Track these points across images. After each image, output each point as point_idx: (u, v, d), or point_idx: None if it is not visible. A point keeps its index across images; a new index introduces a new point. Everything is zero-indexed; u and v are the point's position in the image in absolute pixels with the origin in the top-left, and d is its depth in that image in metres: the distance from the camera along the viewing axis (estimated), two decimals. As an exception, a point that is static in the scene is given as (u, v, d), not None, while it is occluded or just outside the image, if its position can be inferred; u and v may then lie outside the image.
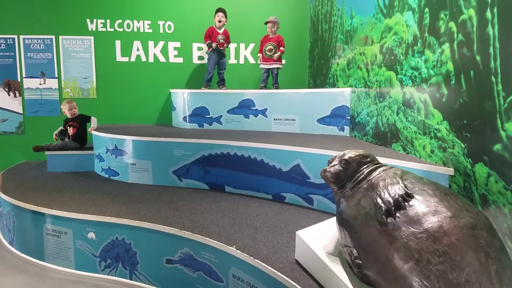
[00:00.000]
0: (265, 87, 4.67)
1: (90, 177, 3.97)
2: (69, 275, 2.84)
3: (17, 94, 5.02)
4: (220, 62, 4.80)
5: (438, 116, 2.25)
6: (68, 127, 4.39)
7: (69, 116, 4.42)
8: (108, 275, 2.80)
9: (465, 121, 2.00)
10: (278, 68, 4.66)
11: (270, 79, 4.73)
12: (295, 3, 5.34)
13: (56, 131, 4.51)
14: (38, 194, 3.25)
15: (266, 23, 4.62)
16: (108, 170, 3.92)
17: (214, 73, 4.82)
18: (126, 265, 2.72)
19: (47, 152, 4.22)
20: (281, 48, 4.59)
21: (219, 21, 4.69)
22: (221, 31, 4.75)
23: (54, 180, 3.81)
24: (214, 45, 4.64)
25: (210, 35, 4.72)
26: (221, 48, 4.73)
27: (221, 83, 4.84)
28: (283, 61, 5.20)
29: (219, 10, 4.71)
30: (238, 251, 2.10)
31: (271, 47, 4.56)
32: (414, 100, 2.52)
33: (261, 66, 4.68)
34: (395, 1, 2.79)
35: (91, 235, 2.78)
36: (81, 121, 4.40)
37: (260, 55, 4.66)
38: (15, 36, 4.92)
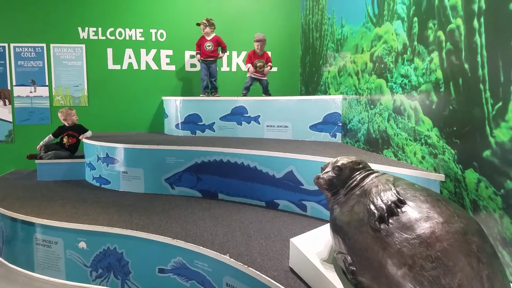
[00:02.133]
0: (246, 95, 4.67)
1: (81, 185, 3.93)
2: (60, 286, 2.79)
3: (7, 102, 4.97)
4: (209, 70, 4.84)
5: (428, 123, 2.28)
6: (66, 136, 4.33)
7: (68, 124, 4.37)
8: (99, 285, 2.76)
9: (454, 128, 2.03)
10: (266, 80, 4.74)
11: (258, 88, 4.75)
12: (287, 12, 5.40)
13: (42, 143, 4.30)
14: (27, 203, 3.20)
15: (256, 41, 4.63)
16: (99, 178, 3.88)
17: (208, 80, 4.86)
18: (118, 274, 2.70)
19: (37, 161, 4.17)
20: (270, 64, 4.70)
21: (204, 32, 4.79)
22: (209, 38, 4.79)
23: (44, 189, 3.77)
24: (197, 56, 4.79)
25: (199, 44, 4.80)
26: (208, 57, 4.77)
27: (213, 90, 4.86)
28: (275, 69, 5.29)
29: (197, 24, 4.78)
30: (232, 260, 2.10)
31: (261, 64, 4.62)
32: (405, 107, 2.56)
33: (250, 75, 4.68)
34: (385, 10, 2.84)
35: (82, 244, 2.74)
36: (79, 132, 4.35)
37: (249, 65, 4.66)
38: (6, 44, 4.88)
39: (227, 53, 5.03)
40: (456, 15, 2.00)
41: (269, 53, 4.85)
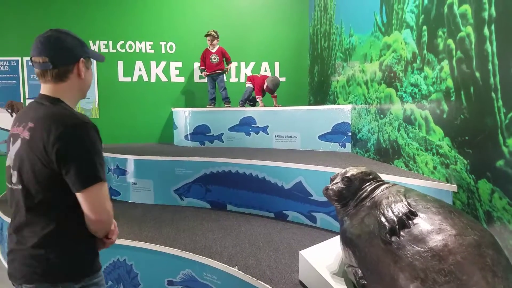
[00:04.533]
0: (243, 105, 4.68)
1: (91, 197, 3.95)
2: (70, 298, 2.79)
3: (20, 115, 5.05)
4: (216, 82, 4.86)
5: (440, 132, 2.25)
6: None
7: None
8: (109, 297, 2.76)
9: (466, 137, 2.00)
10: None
11: (268, 97, 4.76)
12: (295, 22, 5.42)
13: None
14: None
15: (267, 88, 4.56)
16: (109, 189, 3.90)
17: (216, 92, 4.89)
18: (127, 287, 2.68)
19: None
20: (276, 104, 4.68)
21: (211, 44, 4.79)
22: (214, 50, 4.80)
23: (55, 200, 3.79)
24: (203, 74, 4.84)
25: (204, 58, 4.82)
26: (213, 71, 4.77)
27: (224, 101, 4.86)
28: (283, 79, 5.32)
29: (206, 35, 4.77)
30: (241, 272, 2.08)
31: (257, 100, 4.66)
32: (415, 117, 2.53)
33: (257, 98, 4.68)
34: (393, 19, 2.83)
35: (92, 256, 2.74)
36: None
37: (260, 98, 4.64)
38: (19, 58, 4.99)
39: (231, 65, 5.02)
40: (466, 23, 1.98)
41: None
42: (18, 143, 1.26)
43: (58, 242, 1.26)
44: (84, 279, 1.30)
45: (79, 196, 1.24)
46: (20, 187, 1.25)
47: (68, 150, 1.20)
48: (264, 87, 4.57)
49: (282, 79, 5.36)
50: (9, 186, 1.31)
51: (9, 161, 1.30)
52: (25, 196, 1.24)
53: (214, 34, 4.76)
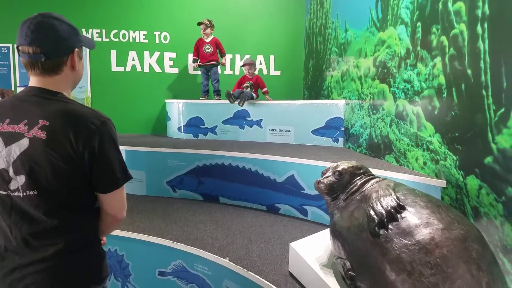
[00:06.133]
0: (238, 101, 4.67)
1: (83, 187, 3.94)
2: (60, 287, 2.79)
3: (11, 103, 4.99)
4: (209, 74, 4.83)
5: (430, 128, 2.27)
6: None
7: None
8: (99, 286, 2.76)
9: (456, 134, 2.02)
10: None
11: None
12: (290, 16, 5.41)
13: None
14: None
15: (244, 65, 4.61)
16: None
17: (209, 84, 4.88)
18: (118, 277, 2.69)
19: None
20: (265, 89, 4.63)
21: (204, 32, 4.75)
22: (208, 40, 4.75)
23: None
24: (195, 64, 4.81)
25: (197, 47, 4.78)
26: (207, 62, 4.73)
27: (215, 93, 4.85)
28: (278, 73, 5.32)
29: (198, 23, 4.72)
30: (232, 263, 2.09)
31: (248, 85, 4.54)
32: (407, 113, 2.55)
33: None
34: (388, 15, 2.84)
35: (83, 246, 2.74)
36: None
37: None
38: (10, 45, 4.92)
39: (226, 58, 4.98)
40: (459, 20, 2.00)
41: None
42: (24, 143, 1.08)
43: (85, 245, 1.19)
44: (104, 281, 1.25)
45: (108, 195, 1.18)
46: (34, 192, 1.08)
47: (102, 149, 1.13)
48: (244, 71, 4.64)
49: (277, 73, 5.37)
50: (3, 193, 1.11)
51: (4, 164, 1.09)
52: (43, 202, 1.10)
53: (208, 22, 4.70)
